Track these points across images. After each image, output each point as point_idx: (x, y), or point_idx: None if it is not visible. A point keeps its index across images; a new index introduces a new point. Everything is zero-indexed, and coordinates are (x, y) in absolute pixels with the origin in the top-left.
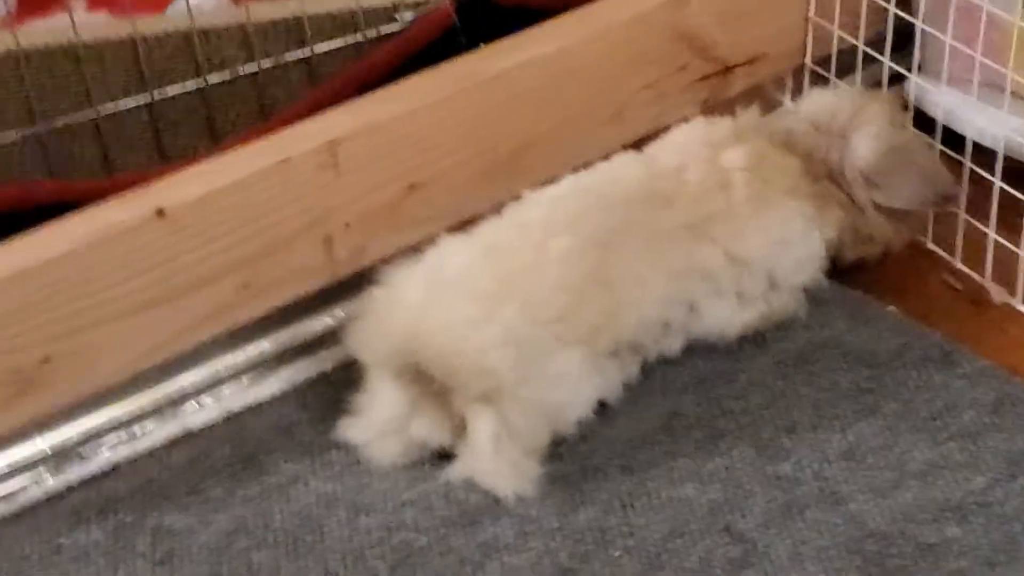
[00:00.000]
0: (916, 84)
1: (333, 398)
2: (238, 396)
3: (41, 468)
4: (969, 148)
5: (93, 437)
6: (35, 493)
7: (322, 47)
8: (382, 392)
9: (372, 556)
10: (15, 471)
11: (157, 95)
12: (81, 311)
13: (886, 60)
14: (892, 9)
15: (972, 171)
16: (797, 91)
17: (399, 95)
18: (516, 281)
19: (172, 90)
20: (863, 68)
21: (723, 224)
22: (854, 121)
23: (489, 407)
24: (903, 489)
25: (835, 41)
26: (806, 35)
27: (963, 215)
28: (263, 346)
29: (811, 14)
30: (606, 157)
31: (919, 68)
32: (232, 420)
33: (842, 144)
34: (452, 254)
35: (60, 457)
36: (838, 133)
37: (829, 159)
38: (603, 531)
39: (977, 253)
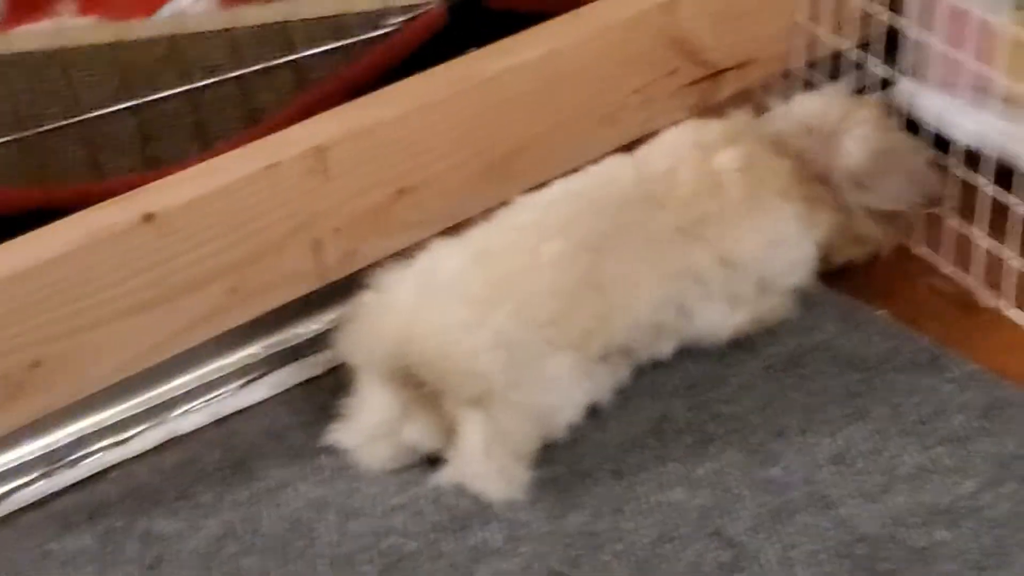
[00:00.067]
0: (905, 88)
1: (323, 403)
2: (228, 401)
3: (30, 472)
4: (958, 152)
5: (82, 441)
6: (24, 497)
7: (311, 51)
8: (372, 396)
9: (361, 561)
10: (4, 476)
11: (145, 99)
12: (70, 315)
13: (875, 64)
14: (881, 13)
15: (961, 175)
16: (786, 95)
17: (389, 99)
18: (508, 285)
19: (160, 94)
20: (852, 72)
21: (715, 226)
22: (842, 124)
23: (480, 411)
24: (893, 493)
25: (825, 45)
26: (796, 39)
27: (952, 219)
28: (253, 350)
29: (801, 19)
30: (598, 161)
31: (908, 72)
32: (222, 425)
33: (831, 147)
34: (444, 258)
35: (49, 461)
36: (827, 136)
37: (818, 161)
38: (593, 535)
39: (966, 257)
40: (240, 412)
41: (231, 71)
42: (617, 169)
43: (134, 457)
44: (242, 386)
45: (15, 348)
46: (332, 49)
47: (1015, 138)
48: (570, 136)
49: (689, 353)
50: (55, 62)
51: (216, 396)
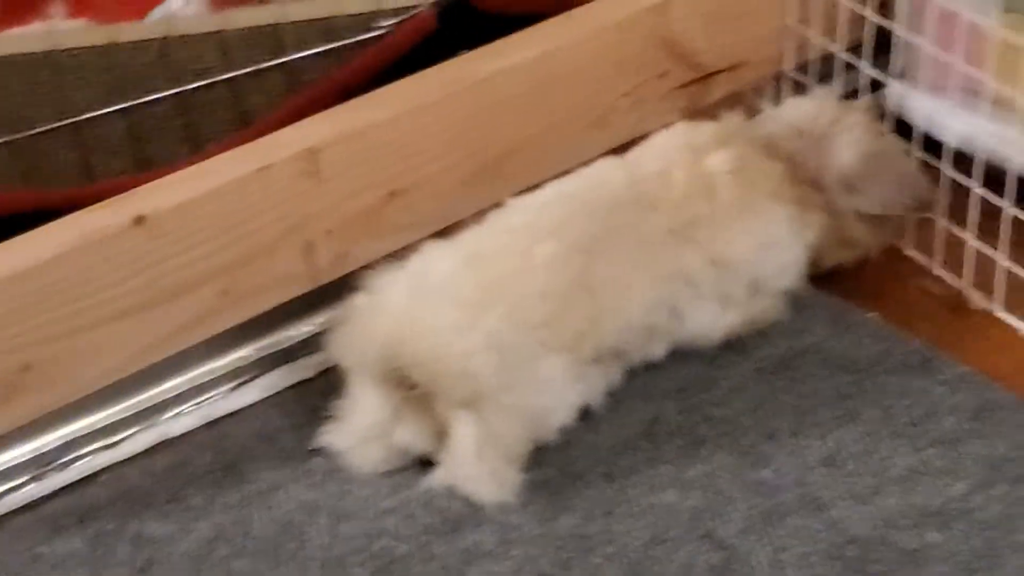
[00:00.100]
0: (895, 90)
1: (314, 405)
2: (219, 403)
3: (20, 476)
4: (948, 154)
5: (73, 444)
6: (14, 501)
7: (302, 54)
8: (364, 398)
9: (353, 564)
10: None
11: (136, 102)
12: (61, 318)
13: (866, 67)
14: (871, 16)
15: (951, 177)
16: (777, 98)
17: (380, 101)
18: (500, 288)
19: (151, 97)
20: (843, 75)
21: (707, 228)
22: (833, 127)
23: (472, 413)
24: (884, 495)
25: (815, 48)
26: (786, 42)
27: (942, 221)
28: (244, 353)
29: (791, 21)
30: (589, 163)
31: (898, 74)
32: (213, 427)
33: (822, 150)
34: (436, 260)
35: (40, 464)
36: (818, 139)
37: (809, 164)
38: (584, 538)
39: (956, 259)
40: (231, 415)
41: (222, 73)
42: (609, 171)
43: (125, 460)
44: (233, 389)
45: (6, 351)
46: (323, 51)
47: (1005, 140)
48: (561, 138)
49: (680, 355)
50: (46, 65)
51: (207, 399)
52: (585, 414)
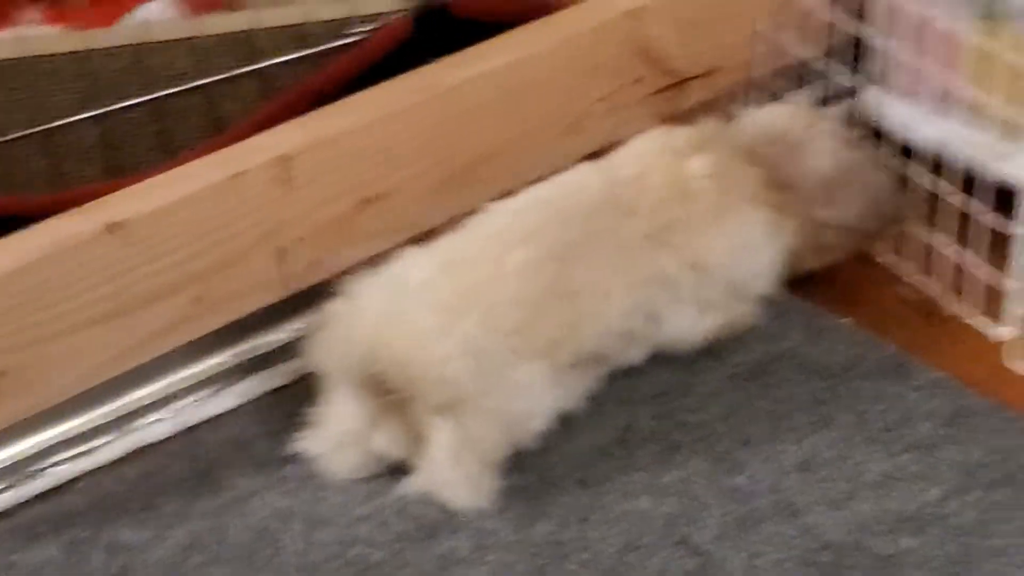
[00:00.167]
0: (870, 96)
1: (289, 412)
2: (193, 410)
3: None
4: (923, 160)
5: (47, 452)
6: None
7: (276, 60)
8: (340, 404)
9: (328, 570)
10: None
11: (109, 108)
12: (35, 325)
13: (840, 73)
14: (846, 23)
15: (922, 182)
16: (752, 104)
17: (354, 108)
18: (477, 293)
19: (124, 103)
20: (817, 81)
21: (684, 232)
22: (807, 134)
23: (448, 419)
24: (859, 501)
25: (790, 54)
26: (761, 48)
27: (917, 227)
28: (219, 360)
29: (766, 27)
30: (564, 169)
31: (871, 80)
32: (188, 434)
33: (796, 157)
34: (413, 266)
35: (13, 472)
36: (792, 146)
37: (784, 170)
38: (559, 544)
39: (931, 265)
40: (206, 422)
41: (195, 80)
42: (586, 177)
43: (100, 467)
44: (208, 396)
45: None
46: (297, 58)
47: (979, 146)
48: (535, 144)
49: (655, 361)
50: (19, 71)
51: (182, 405)
52: (562, 419)
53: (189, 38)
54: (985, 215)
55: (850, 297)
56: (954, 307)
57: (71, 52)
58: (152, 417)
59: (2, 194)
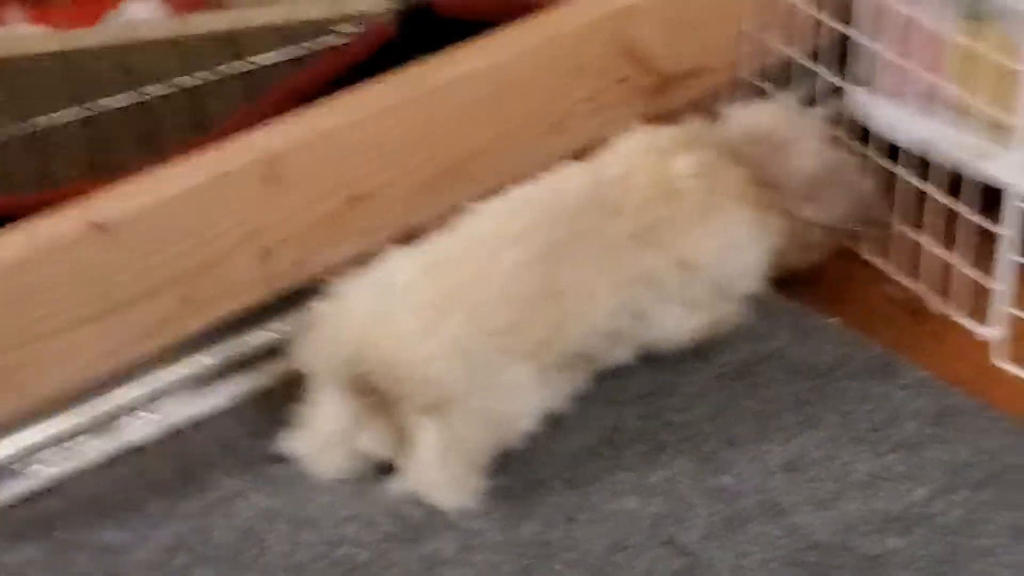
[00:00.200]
0: (856, 97)
1: (274, 412)
2: (178, 411)
3: None
4: (908, 160)
5: (31, 453)
6: None
7: (260, 59)
8: (326, 405)
9: (314, 571)
10: None
11: (93, 108)
12: (20, 326)
13: (825, 73)
14: (831, 23)
15: (909, 182)
16: (738, 104)
17: (339, 107)
18: (463, 294)
19: (108, 103)
20: (801, 80)
21: (671, 231)
22: (790, 135)
23: (435, 419)
24: (845, 500)
25: (776, 54)
26: (745, 48)
27: (901, 226)
28: (204, 360)
29: (750, 27)
30: (549, 168)
31: (857, 80)
32: (172, 435)
33: (780, 156)
34: (399, 267)
35: None
36: (776, 145)
37: (768, 169)
38: (546, 545)
39: (917, 264)
40: (190, 422)
41: (180, 79)
42: (571, 177)
43: (83, 468)
44: (193, 396)
45: None
46: (282, 57)
47: (964, 146)
48: (521, 143)
49: (641, 361)
50: (4, 72)
51: (166, 406)
52: (548, 419)
53: (174, 38)
54: (971, 215)
55: (837, 297)
56: (940, 307)
57: (55, 52)
58: (136, 417)
59: None
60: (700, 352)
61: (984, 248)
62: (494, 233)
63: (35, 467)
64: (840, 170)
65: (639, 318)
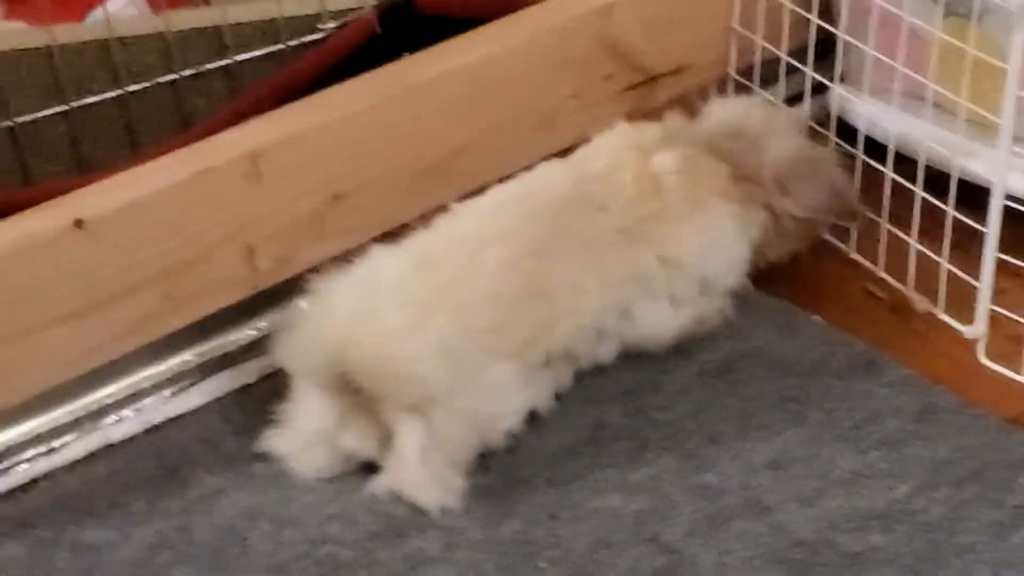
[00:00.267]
0: (838, 94)
1: (257, 410)
2: (160, 408)
3: None
4: (891, 158)
5: (12, 451)
6: None
7: (243, 56)
8: (308, 403)
9: (296, 570)
10: None
11: (75, 104)
12: (1, 323)
13: (809, 70)
14: (814, 20)
15: (894, 181)
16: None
17: (322, 104)
18: (448, 292)
19: (90, 99)
20: (786, 78)
21: (656, 227)
22: (766, 129)
23: (417, 418)
24: (828, 498)
25: (758, 52)
26: (730, 45)
27: (886, 224)
28: (185, 358)
29: (734, 24)
30: (534, 165)
31: (841, 78)
32: (154, 433)
33: (756, 151)
34: (383, 265)
35: None
36: (753, 139)
37: (747, 163)
38: (529, 543)
39: (899, 262)
40: (172, 420)
41: (162, 76)
42: (553, 174)
43: (65, 466)
44: (174, 394)
45: None
46: (265, 54)
47: (947, 143)
48: (505, 141)
49: (624, 359)
50: None
51: (148, 404)
52: (531, 418)
53: (156, 34)
54: (952, 212)
55: (819, 294)
56: (922, 304)
57: (36, 48)
58: (118, 415)
59: None
60: (682, 349)
61: (968, 246)
62: (478, 231)
63: (16, 465)
64: (814, 162)
65: (625, 315)
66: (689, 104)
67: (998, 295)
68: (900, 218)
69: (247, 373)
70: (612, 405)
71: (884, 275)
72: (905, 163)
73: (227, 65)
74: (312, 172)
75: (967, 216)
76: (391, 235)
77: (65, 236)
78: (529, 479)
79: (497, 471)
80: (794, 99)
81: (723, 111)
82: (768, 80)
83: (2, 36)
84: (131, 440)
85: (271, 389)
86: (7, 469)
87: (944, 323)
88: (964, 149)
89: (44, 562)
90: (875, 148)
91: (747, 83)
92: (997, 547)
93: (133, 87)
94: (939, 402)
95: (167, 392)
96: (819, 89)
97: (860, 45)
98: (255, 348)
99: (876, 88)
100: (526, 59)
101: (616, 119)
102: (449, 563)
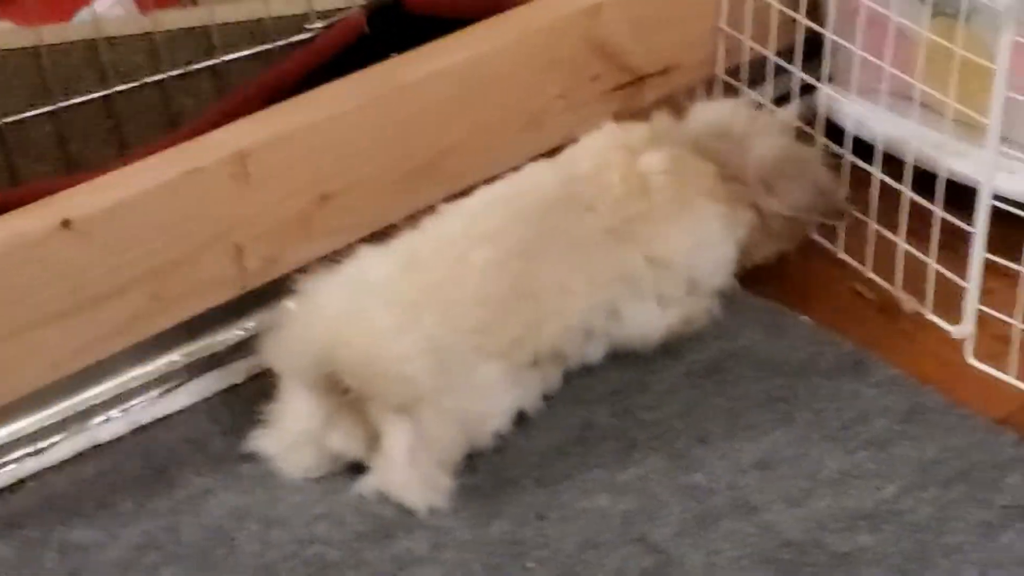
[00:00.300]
0: (826, 94)
1: (244, 410)
2: (148, 409)
3: None
4: (879, 158)
5: (0, 452)
6: None
7: (231, 56)
8: (296, 403)
9: (284, 570)
10: None
11: (63, 104)
12: None
13: (796, 71)
14: (802, 20)
15: (882, 181)
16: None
17: (310, 104)
18: (436, 292)
19: (78, 99)
20: (774, 78)
21: (644, 227)
22: (751, 129)
23: (404, 418)
24: (816, 498)
25: (746, 52)
26: (717, 46)
27: (874, 224)
28: (173, 358)
29: (722, 25)
30: (521, 165)
31: (829, 78)
32: (141, 433)
33: (742, 151)
34: (372, 265)
35: None
36: (739, 139)
37: (734, 163)
38: (517, 543)
39: (888, 262)
40: (160, 420)
41: (150, 76)
42: (542, 174)
43: (52, 466)
44: (162, 394)
45: None
46: (253, 54)
47: (934, 144)
48: (493, 141)
49: (612, 359)
50: None
51: (135, 404)
52: (519, 418)
53: (144, 34)
54: (941, 213)
55: (807, 294)
56: (910, 304)
57: (24, 48)
58: (105, 416)
59: None
60: (670, 349)
61: (955, 246)
62: (466, 232)
63: (3, 465)
64: (800, 162)
65: (613, 315)
66: (677, 104)
67: (986, 295)
68: (888, 218)
69: (235, 373)
70: (600, 405)
71: (872, 275)
72: (893, 163)
73: (215, 65)
74: (300, 172)
75: (955, 216)
76: (379, 235)
77: (52, 236)
78: (517, 479)
79: (485, 471)
80: (782, 99)
81: (710, 111)
82: (756, 80)
83: None
84: (119, 440)
85: (259, 389)
86: None
87: (932, 323)
88: (952, 149)
89: (32, 562)
90: (863, 148)
91: (735, 83)
92: (985, 547)
93: (121, 87)
94: (927, 402)
95: (155, 392)
96: (807, 89)
97: (848, 45)
98: (243, 348)
99: (864, 88)
100: (514, 59)
101: (604, 119)
102: (437, 563)
